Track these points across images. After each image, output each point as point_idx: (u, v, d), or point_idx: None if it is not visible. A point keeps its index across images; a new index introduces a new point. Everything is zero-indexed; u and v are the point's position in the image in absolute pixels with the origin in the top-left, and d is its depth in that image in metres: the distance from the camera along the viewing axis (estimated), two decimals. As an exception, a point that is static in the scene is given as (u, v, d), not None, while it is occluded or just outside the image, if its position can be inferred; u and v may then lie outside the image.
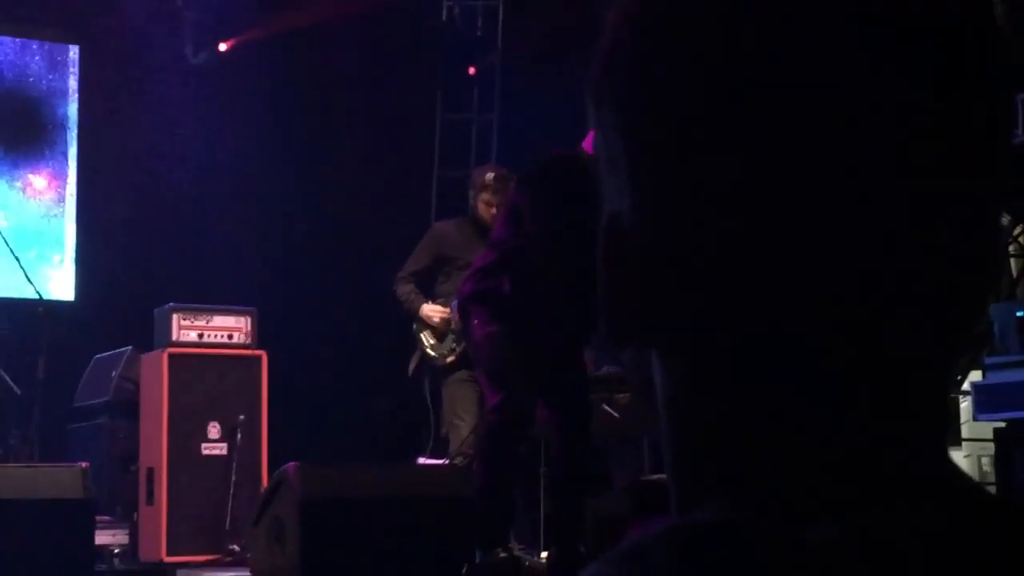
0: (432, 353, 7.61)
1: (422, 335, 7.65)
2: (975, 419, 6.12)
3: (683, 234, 0.68)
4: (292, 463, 5.51)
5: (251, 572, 5.80)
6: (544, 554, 6.29)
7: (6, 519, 4.83)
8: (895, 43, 0.65)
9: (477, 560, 5.68)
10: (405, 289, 7.70)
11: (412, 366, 7.78)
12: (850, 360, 0.66)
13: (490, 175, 7.67)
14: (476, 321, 5.91)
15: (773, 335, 0.67)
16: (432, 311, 7.57)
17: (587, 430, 5.95)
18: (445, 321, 7.50)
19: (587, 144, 5.72)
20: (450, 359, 7.50)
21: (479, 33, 10.51)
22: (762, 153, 0.66)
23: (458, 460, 7.13)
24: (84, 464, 5.27)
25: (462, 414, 7.39)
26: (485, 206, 7.53)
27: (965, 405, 6.70)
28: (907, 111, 0.65)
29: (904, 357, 0.67)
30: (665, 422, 0.72)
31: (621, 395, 7.55)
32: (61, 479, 5.08)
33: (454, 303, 6.68)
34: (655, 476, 6.92)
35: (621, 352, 0.75)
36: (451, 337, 7.49)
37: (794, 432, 0.67)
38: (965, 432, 7.21)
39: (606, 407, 7.35)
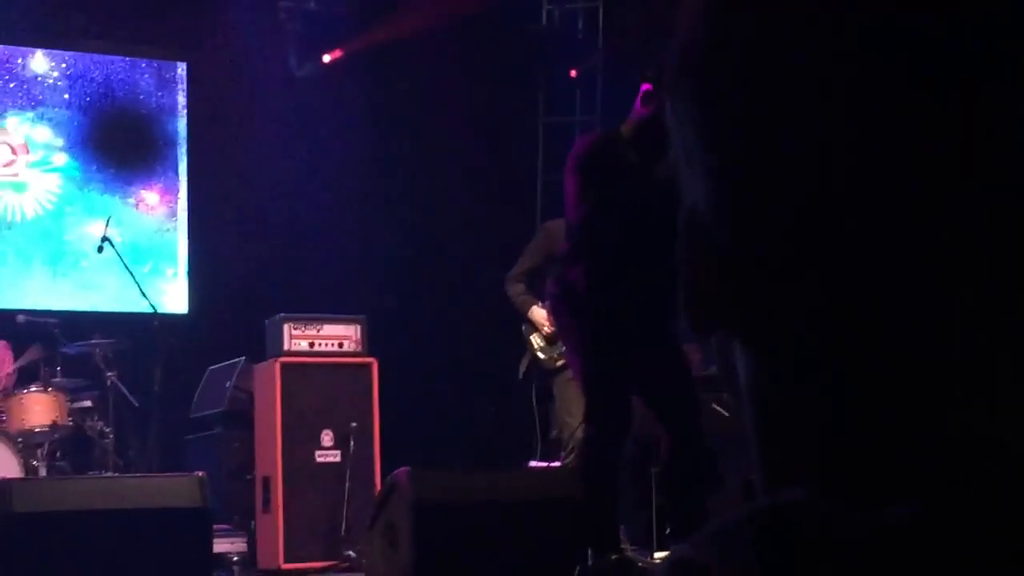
0: (542, 356, 7.58)
1: (532, 337, 7.62)
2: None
3: (759, 222, 0.69)
4: (403, 468, 5.54)
5: (366, 577, 5.85)
6: (658, 554, 6.26)
7: (126, 528, 4.91)
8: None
9: (590, 563, 5.67)
10: (515, 290, 7.67)
11: (522, 369, 7.74)
12: (928, 340, 0.67)
13: None
14: (563, 322, 5.88)
15: (850, 317, 0.67)
16: (541, 317, 7.56)
17: (695, 423, 5.87)
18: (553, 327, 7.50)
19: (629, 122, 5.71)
20: (560, 362, 7.46)
21: (580, 35, 10.52)
22: (840, 142, 0.67)
23: (571, 459, 7.13)
24: (201, 473, 5.35)
25: (574, 411, 7.37)
26: None
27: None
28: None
29: (987, 331, 0.67)
30: (747, 407, 0.72)
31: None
32: (179, 489, 5.16)
33: (548, 305, 6.70)
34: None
35: (703, 340, 0.76)
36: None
37: (871, 411, 0.67)
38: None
39: (715, 406, 7.30)
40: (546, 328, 7.47)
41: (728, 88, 0.70)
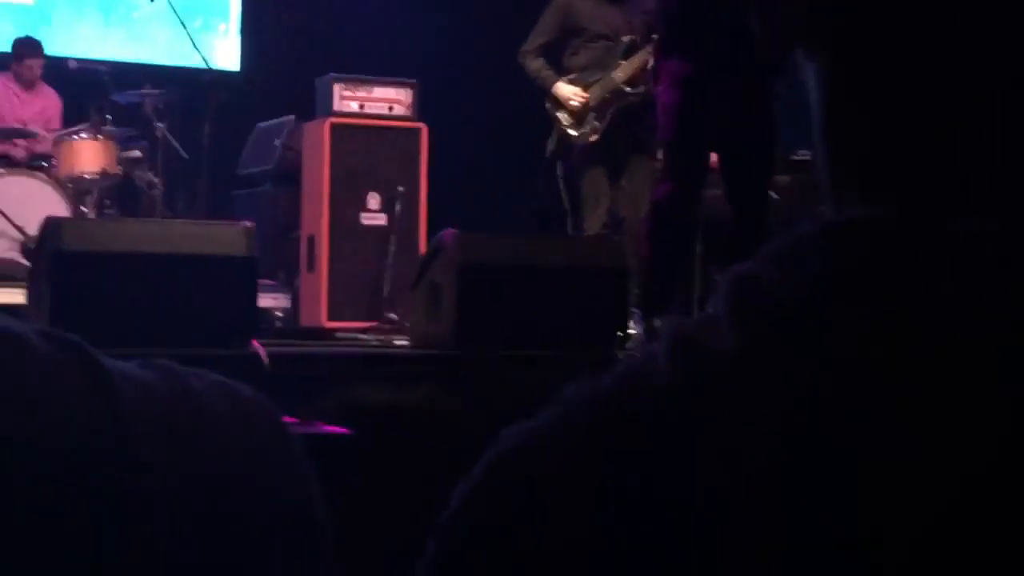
0: (572, 132, 7.37)
1: (558, 114, 7.40)
2: None
3: None
4: (449, 229, 5.55)
5: (408, 336, 5.91)
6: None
7: (173, 272, 4.96)
8: None
9: (635, 327, 5.73)
10: (535, 65, 7.44)
11: (551, 147, 7.54)
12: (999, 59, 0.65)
13: None
14: (662, 86, 5.84)
15: (919, 40, 0.66)
16: (567, 92, 7.35)
17: (763, 197, 5.94)
18: (583, 102, 7.34)
19: None
20: (593, 138, 7.32)
21: None
22: None
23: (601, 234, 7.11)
24: (249, 223, 5.37)
25: (600, 196, 7.31)
26: None
27: None
28: None
29: None
30: (817, 126, 0.71)
31: (781, 177, 7.45)
32: (226, 236, 5.18)
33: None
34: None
35: (775, 58, 0.74)
36: (592, 115, 7.32)
37: (942, 127, 0.66)
38: None
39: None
40: (573, 102, 7.33)
41: None
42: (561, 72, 7.46)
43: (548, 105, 7.46)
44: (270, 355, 4.93)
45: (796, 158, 7.66)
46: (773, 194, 7.15)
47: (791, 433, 0.60)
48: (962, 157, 0.65)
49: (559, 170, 7.67)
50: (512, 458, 0.66)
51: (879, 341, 0.61)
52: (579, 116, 7.34)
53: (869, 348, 0.61)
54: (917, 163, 0.66)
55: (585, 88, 7.30)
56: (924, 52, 0.66)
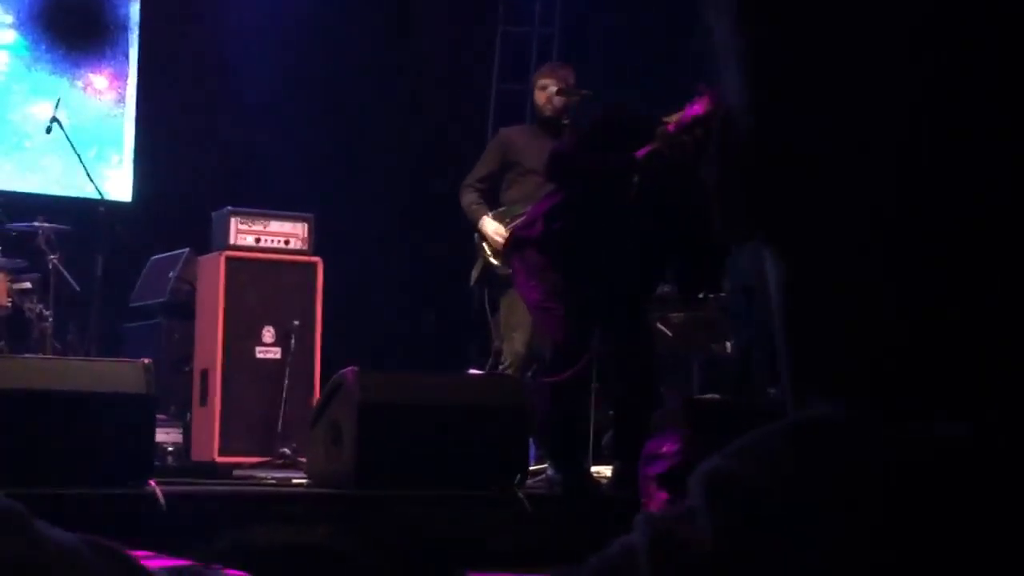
0: (495, 261, 7.51)
1: (484, 244, 7.57)
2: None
3: (796, 127, 0.67)
4: (350, 368, 5.54)
5: (307, 474, 5.86)
6: (593, 468, 6.32)
7: (69, 411, 4.88)
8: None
9: (552, 474, 5.74)
10: (468, 199, 7.62)
11: (474, 275, 7.67)
12: (970, 257, 0.65)
13: (543, 65, 7.78)
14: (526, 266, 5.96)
15: (886, 232, 0.66)
16: (490, 229, 7.48)
17: (652, 347, 6.00)
18: (501, 239, 7.44)
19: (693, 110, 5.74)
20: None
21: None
22: (881, 52, 0.65)
23: (510, 372, 7.16)
24: (147, 360, 5.31)
25: (517, 327, 7.39)
26: (540, 91, 7.51)
27: None
28: None
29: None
30: (778, 319, 0.72)
31: (675, 314, 7.56)
32: (124, 374, 5.13)
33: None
34: (707, 395, 6.95)
35: (734, 247, 0.75)
36: None
37: (912, 330, 0.66)
38: None
39: (659, 325, 7.36)
40: (496, 238, 7.44)
41: None
42: (498, 206, 7.60)
43: (476, 236, 7.61)
44: (166, 494, 4.86)
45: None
46: (667, 331, 7.25)
47: None
48: (933, 355, 0.65)
49: (481, 298, 7.77)
50: None
51: (850, 543, 0.62)
52: (498, 251, 7.46)
53: (840, 549, 0.62)
54: (882, 361, 0.66)
55: (511, 220, 7.41)
56: (887, 248, 0.66)
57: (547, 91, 7.47)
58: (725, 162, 0.71)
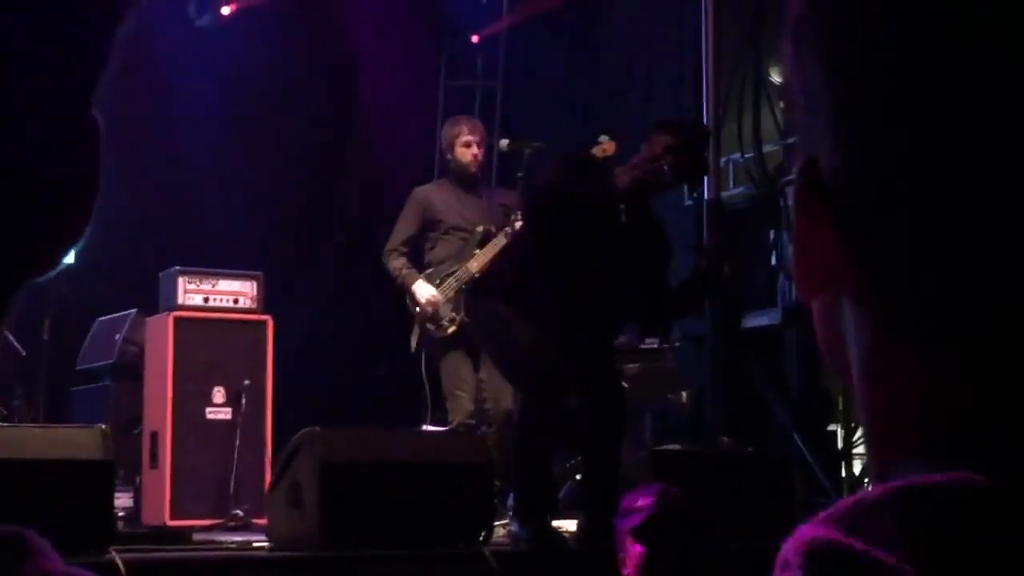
0: (430, 326, 7.39)
1: (417, 310, 7.41)
2: None
3: (887, 176, 0.65)
4: (311, 427, 5.48)
5: (268, 537, 5.77)
6: (560, 523, 6.26)
7: (25, 479, 4.79)
8: None
9: (515, 530, 5.68)
10: (396, 264, 7.45)
11: (414, 342, 7.49)
12: None
13: (459, 120, 7.67)
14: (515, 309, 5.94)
15: (978, 284, 0.63)
16: (422, 295, 7.33)
17: (624, 398, 6.00)
18: (436, 304, 7.33)
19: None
20: (451, 329, 7.33)
21: (484, 1, 10.47)
22: (972, 98, 0.63)
23: (461, 430, 7.09)
24: (103, 425, 5.23)
25: (462, 385, 7.29)
26: (464, 147, 7.44)
27: None
28: None
29: None
30: (858, 379, 0.68)
31: (630, 365, 7.54)
32: (81, 440, 5.04)
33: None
34: (668, 446, 6.94)
35: (809, 302, 0.72)
36: (449, 307, 7.32)
37: (1010, 388, 0.63)
38: None
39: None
40: (428, 304, 7.32)
41: (860, 27, 0.66)
42: (422, 266, 7.47)
43: (408, 302, 7.46)
44: (127, 562, 4.77)
45: (644, 347, 7.78)
46: (623, 383, 7.24)
47: None
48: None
49: (422, 365, 7.63)
50: None
51: None
52: (435, 314, 7.34)
53: None
54: (977, 423, 0.63)
55: (442, 281, 7.33)
56: (964, 307, 0.63)
57: (472, 148, 7.41)
58: (806, 209, 0.68)
